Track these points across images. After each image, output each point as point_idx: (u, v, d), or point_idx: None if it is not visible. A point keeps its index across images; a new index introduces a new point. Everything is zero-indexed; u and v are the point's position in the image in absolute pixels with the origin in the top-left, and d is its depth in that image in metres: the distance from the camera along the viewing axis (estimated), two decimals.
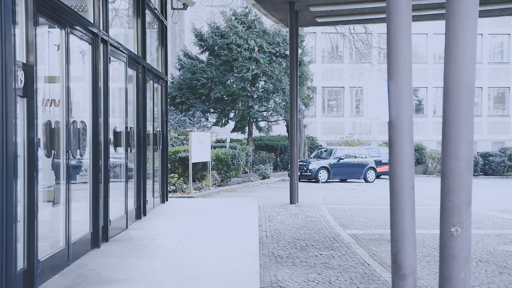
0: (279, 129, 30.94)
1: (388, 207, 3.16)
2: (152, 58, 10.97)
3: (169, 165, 14.32)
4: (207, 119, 25.41)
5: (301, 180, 22.03)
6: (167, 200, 11.77)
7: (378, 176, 25.75)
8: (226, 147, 20.41)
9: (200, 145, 15.57)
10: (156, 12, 11.05)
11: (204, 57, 24.54)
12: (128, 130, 8.21)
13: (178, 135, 21.74)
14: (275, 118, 25.11)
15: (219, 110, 23.92)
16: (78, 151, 6.06)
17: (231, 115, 23.86)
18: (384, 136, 33.40)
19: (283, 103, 23.61)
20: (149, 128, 10.14)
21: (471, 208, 2.78)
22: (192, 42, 24.62)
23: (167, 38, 12.03)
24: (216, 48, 22.67)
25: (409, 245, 3.04)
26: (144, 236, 7.67)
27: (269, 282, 5.56)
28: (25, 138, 4.77)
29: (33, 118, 4.81)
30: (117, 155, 8.06)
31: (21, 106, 4.71)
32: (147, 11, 10.05)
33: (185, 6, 12.58)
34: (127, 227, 8.20)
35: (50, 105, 5.88)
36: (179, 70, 24.14)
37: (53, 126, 5.60)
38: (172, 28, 29.76)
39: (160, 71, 11.29)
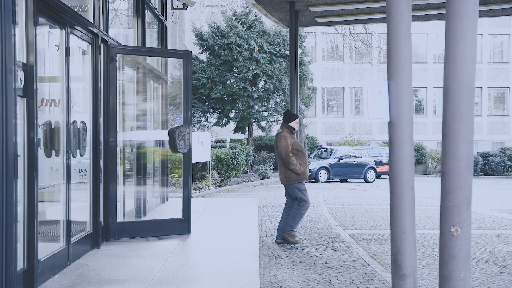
0: None
1: (388, 207, 3.16)
2: (152, 58, 10.96)
3: (169, 165, 14.31)
4: (207, 119, 25.42)
5: None
6: (167, 200, 11.77)
7: (378, 176, 25.76)
8: (226, 147, 20.41)
9: (200, 145, 15.57)
10: (156, 12, 11.05)
11: (204, 57, 24.55)
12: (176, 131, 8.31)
13: None
14: (275, 118, 25.11)
15: (219, 110, 23.92)
16: (78, 151, 6.06)
17: (232, 115, 23.86)
18: (384, 136, 33.41)
19: (283, 103, 23.61)
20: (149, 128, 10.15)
21: (471, 208, 2.78)
22: (192, 42, 24.63)
23: (167, 38, 12.03)
24: (216, 48, 22.67)
25: (409, 245, 3.04)
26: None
27: (269, 282, 5.56)
28: (25, 138, 4.77)
29: (33, 118, 4.81)
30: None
31: (21, 106, 4.71)
32: (147, 11, 10.05)
33: (185, 6, 12.57)
34: None
35: (50, 105, 5.88)
36: (179, 70, 24.14)
37: (53, 126, 5.60)
38: (172, 28, 29.75)
39: (160, 71, 11.29)
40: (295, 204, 7.59)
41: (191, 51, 8.03)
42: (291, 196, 7.64)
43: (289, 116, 7.76)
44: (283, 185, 7.75)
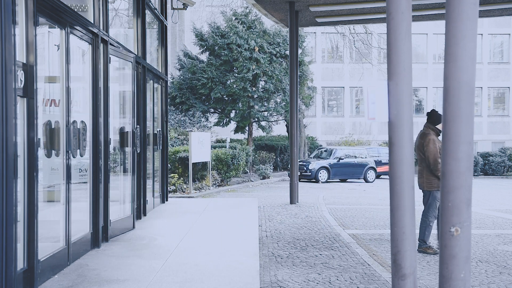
0: (279, 129, 30.93)
1: (388, 207, 3.16)
2: (152, 58, 10.97)
3: (169, 165, 14.31)
4: (207, 119, 25.41)
5: (301, 180, 22.02)
6: (167, 200, 11.77)
7: (378, 176, 25.74)
8: (226, 147, 20.41)
9: (200, 145, 15.57)
10: (156, 12, 11.05)
11: (204, 57, 24.54)
12: (134, 130, 8.26)
13: (178, 135, 21.74)
14: (275, 118, 25.12)
15: (219, 110, 23.93)
16: (78, 151, 6.06)
17: (232, 115, 23.87)
18: (384, 136, 33.39)
19: (284, 103, 23.61)
20: (149, 128, 10.15)
21: (471, 208, 2.78)
22: (192, 42, 24.61)
23: (167, 38, 12.03)
24: (216, 48, 22.67)
25: (409, 245, 3.04)
26: (144, 236, 7.66)
27: (269, 282, 5.56)
28: (25, 138, 4.77)
29: (33, 118, 4.81)
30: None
31: (21, 106, 4.71)
32: (147, 11, 10.05)
33: (185, 6, 12.57)
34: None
35: (50, 105, 5.88)
36: (179, 70, 24.14)
37: (53, 126, 5.60)
38: (172, 28, 29.76)
39: (160, 71, 11.29)
40: (423, 213, 7.37)
41: (134, 56, 8.53)
42: (425, 202, 7.43)
43: (437, 117, 7.23)
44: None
